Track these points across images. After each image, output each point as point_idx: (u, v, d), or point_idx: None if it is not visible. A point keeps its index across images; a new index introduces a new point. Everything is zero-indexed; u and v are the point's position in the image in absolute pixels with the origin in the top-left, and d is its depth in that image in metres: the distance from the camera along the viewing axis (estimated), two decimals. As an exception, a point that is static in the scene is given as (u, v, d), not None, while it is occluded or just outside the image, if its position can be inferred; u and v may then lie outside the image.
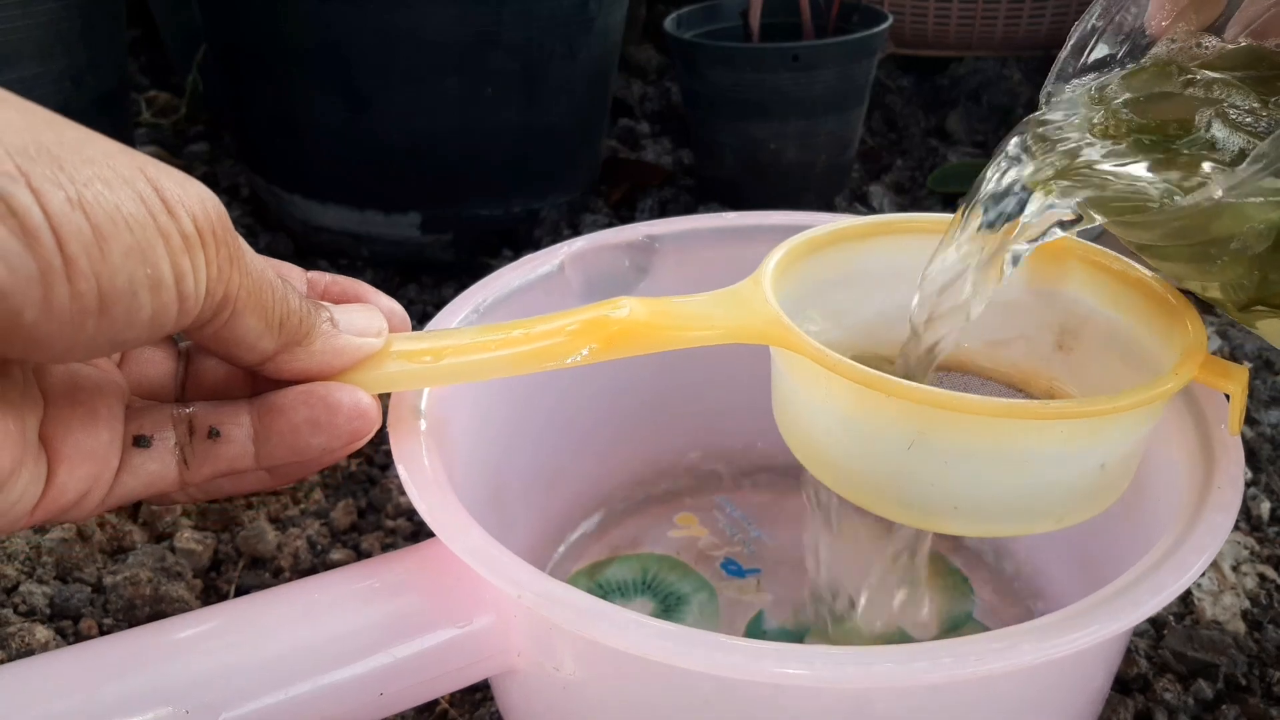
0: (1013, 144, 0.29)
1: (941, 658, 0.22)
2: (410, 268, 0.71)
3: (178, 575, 0.44)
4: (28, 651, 0.40)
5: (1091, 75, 0.30)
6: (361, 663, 0.26)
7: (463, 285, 0.38)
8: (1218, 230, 0.24)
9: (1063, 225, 0.28)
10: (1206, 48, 0.29)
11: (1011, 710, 0.27)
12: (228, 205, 0.54)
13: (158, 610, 0.42)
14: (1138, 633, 0.42)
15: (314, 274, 0.29)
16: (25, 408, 0.22)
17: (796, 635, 0.41)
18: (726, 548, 0.45)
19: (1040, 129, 0.29)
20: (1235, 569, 0.45)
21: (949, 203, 0.78)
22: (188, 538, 0.45)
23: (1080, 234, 0.29)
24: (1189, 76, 0.28)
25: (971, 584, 0.43)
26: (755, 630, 0.41)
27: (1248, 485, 0.49)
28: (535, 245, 0.69)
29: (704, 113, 0.75)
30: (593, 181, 0.76)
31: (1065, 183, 0.27)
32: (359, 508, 0.49)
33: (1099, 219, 0.27)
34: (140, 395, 0.27)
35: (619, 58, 0.75)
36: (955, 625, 0.41)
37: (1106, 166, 0.26)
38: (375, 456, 0.52)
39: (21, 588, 0.43)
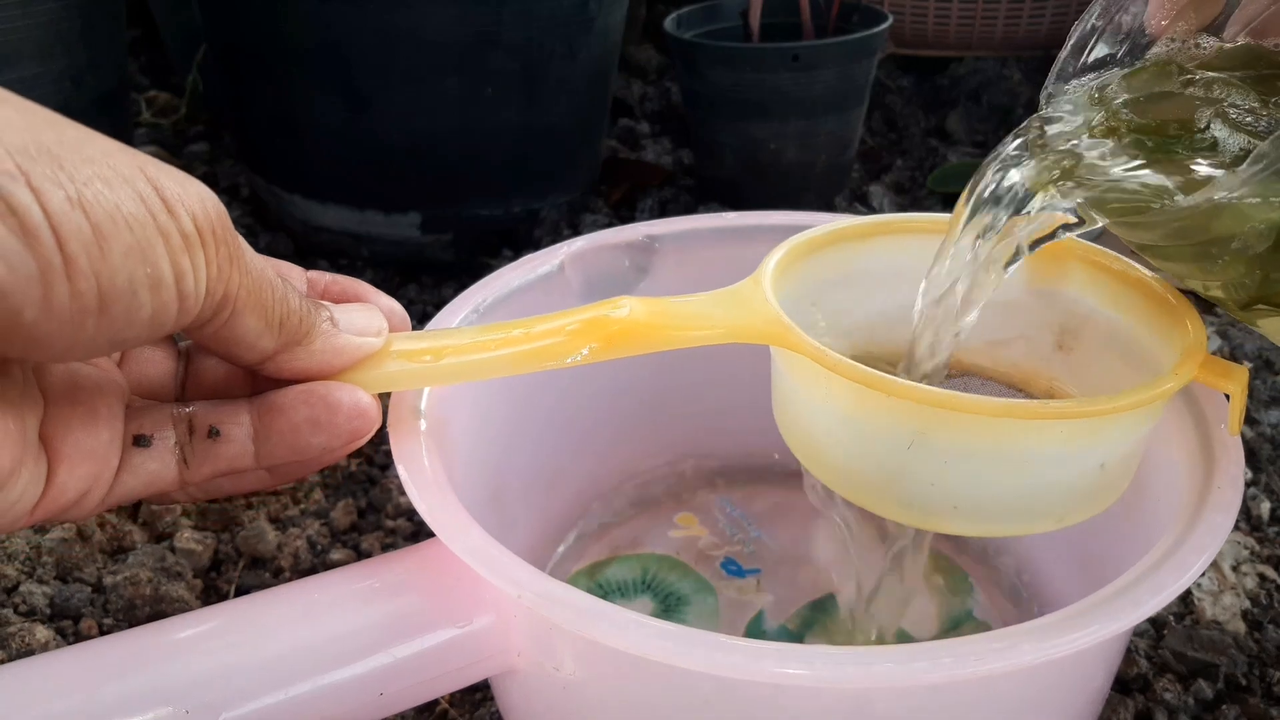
0: (1013, 145, 0.29)
1: (941, 658, 0.22)
2: (410, 268, 0.71)
3: (178, 575, 0.44)
4: (28, 651, 0.40)
5: (1091, 75, 0.30)
6: (361, 663, 0.26)
7: (463, 285, 0.38)
8: (1219, 230, 0.24)
9: (1066, 228, 0.28)
10: (1206, 47, 0.29)
11: (1011, 710, 0.27)
12: (228, 205, 0.54)
13: (158, 610, 0.42)
14: (1138, 633, 0.42)
15: (314, 273, 0.29)
16: (25, 407, 0.22)
17: (796, 635, 0.41)
18: (726, 548, 0.45)
19: (1040, 129, 0.29)
20: (1235, 569, 0.45)
21: (949, 203, 0.78)
22: (188, 538, 0.45)
23: (1080, 234, 0.29)
24: (1189, 76, 0.28)
25: (972, 582, 0.43)
26: (755, 630, 0.41)
27: (1248, 485, 0.49)
28: (535, 245, 0.69)
29: (704, 113, 0.75)
30: (593, 181, 0.76)
31: (1066, 184, 0.27)
32: (359, 508, 0.49)
33: (1100, 220, 0.27)
34: (140, 395, 0.27)
35: (619, 58, 0.75)
36: (955, 624, 0.41)
37: (1107, 167, 0.26)
38: (375, 456, 0.52)
39: (21, 588, 0.43)
